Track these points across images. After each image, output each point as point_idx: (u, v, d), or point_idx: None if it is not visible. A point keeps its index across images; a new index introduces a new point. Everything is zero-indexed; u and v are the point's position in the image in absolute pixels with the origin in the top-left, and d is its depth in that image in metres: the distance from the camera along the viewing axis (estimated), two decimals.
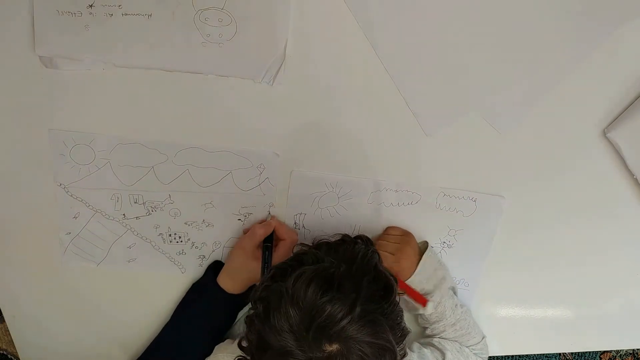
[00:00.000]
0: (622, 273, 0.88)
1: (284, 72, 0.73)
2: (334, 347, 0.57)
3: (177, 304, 0.82)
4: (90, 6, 0.68)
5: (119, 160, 0.76)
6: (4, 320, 0.87)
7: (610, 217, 0.84)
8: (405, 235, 0.81)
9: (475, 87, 0.76)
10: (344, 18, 0.71)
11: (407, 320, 0.84)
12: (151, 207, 0.79)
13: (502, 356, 1.32)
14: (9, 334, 0.87)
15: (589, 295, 0.89)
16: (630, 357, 1.41)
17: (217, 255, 0.83)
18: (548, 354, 1.40)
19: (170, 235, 0.81)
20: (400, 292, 0.76)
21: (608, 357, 1.40)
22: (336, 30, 0.72)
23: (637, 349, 1.39)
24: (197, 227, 0.81)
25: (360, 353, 0.58)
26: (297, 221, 0.83)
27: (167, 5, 0.68)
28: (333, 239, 0.70)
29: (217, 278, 0.79)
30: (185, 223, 0.81)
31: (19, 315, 0.85)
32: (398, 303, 0.65)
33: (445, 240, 0.84)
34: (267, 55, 0.72)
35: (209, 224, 0.81)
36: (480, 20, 0.72)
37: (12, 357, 1.03)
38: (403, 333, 0.65)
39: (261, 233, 0.78)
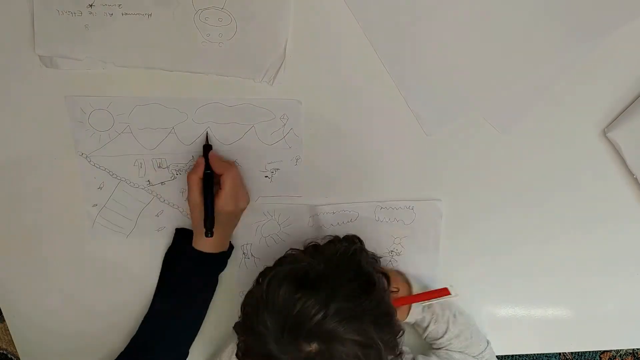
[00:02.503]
0: (621, 273, 0.88)
1: (284, 72, 0.73)
2: (313, 346, 0.57)
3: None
4: (90, 6, 0.68)
5: (138, 123, 0.74)
6: (4, 320, 0.87)
7: (610, 217, 0.84)
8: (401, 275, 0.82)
9: (475, 87, 0.76)
10: (344, 18, 0.71)
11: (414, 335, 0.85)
12: (175, 170, 0.77)
13: (502, 356, 1.32)
14: (9, 334, 0.87)
15: (589, 295, 0.89)
16: (630, 357, 1.41)
17: None
18: (548, 354, 1.40)
19: None
20: (394, 289, 0.75)
21: (608, 357, 1.40)
22: (336, 30, 0.72)
23: (637, 349, 1.39)
24: None
25: (342, 352, 0.57)
26: (245, 251, 0.82)
27: (167, 5, 0.68)
28: (322, 242, 0.69)
29: (193, 243, 0.75)
30: None
31: (19, 315, 0.85)
32: (384, 300, 0.63)
33: (392, 249, 0.84)
34: (267, 55, 0.72)
35: None
36: (480, 20, 0.72)
37: (12, 357, 1.03)
38: (393, 330, 0.63)
39: (199, 176, 0.72)
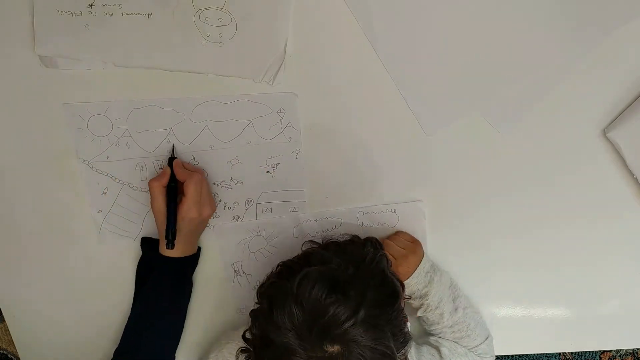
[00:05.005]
0: (622, 273, 0.87)
1: (283, 72, 0.73)
2: (335, 348, 0.58)
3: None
4: (90, 6, 0.68)
5: (136, 126, 0.75)
6: (4, 320, 0.87)
7: (610, 216, 0.84)
8: (413, 243, 0.81)
9: (475, 87, 0.76)
10: (344, 18, 0.71)
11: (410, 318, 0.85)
12: None
13: (502, 356, 1.32)
14: (9, 334, 0.87)
15: (589, 295, 0.89)
16: (630, 357, 1.41)
17: (252, 213, 0.81)
18: (548, 354, 1.40)
19: None
20: (407, 297, 0.77)
21: (608, 357, 1.40)
22: (336, 30, 0.72)
23: (637, 349, 1.39)
24: (227, 186, 0.79)
25: (360, 357, 0.58)
26: (236, 269, 0.83)
27: (167, 5, 0.69)
28: (342, 239, 0.70)
29: (160, 249, 0.75)
30: (214, 184, 0.79)
31: (19, 315, 0.85)
32: (403, 309, 0.65)
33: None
34: (267, 55, 0.72)
35: (238, 182, 0.79)
36: (480, 20, 0.72)
37: (12, 357, 1.04)
38: (405, 339, 0.65)
39: (162, 184, 0.73)
